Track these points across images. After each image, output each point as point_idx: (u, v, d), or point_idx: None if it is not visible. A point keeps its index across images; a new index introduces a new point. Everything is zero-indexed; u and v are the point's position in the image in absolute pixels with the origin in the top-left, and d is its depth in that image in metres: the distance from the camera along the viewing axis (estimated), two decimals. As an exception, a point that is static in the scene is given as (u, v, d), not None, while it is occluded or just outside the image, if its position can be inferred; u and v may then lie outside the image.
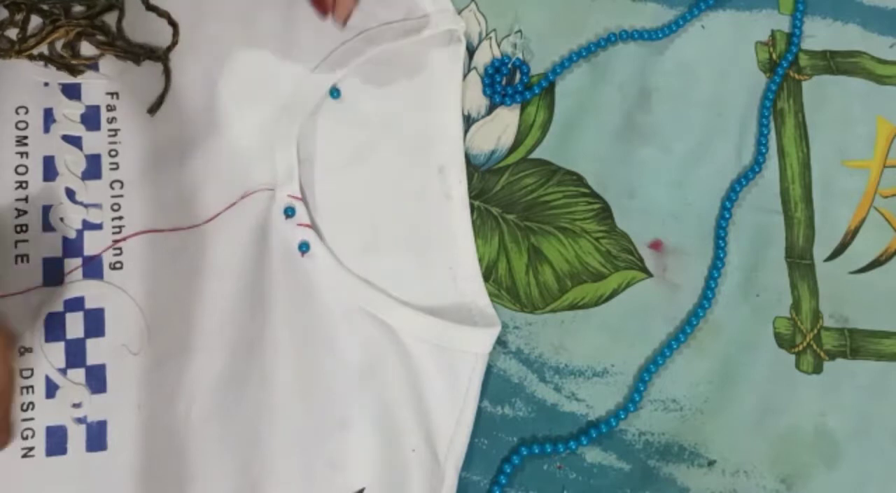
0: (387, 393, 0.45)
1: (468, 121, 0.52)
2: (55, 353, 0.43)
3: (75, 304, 0.44)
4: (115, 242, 0.45)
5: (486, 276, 0.50)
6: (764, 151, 0.54)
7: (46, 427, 0.42)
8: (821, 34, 0.57)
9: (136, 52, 0.48)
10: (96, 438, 0.43)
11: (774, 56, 0.57)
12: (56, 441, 0.42)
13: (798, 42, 0.57)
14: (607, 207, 0.52)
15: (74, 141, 0.46)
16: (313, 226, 0.47)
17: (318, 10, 0.45)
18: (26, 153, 0.45)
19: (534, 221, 0.51)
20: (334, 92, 0.48)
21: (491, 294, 0.49)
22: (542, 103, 0.53)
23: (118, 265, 0.45)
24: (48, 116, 0.46)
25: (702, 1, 0.56)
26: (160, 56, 0.48)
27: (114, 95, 0.47)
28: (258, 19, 0.49)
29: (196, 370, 0.44)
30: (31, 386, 0.42)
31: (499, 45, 0.54)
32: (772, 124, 0.55)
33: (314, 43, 0.49)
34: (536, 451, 0.47)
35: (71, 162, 0.46)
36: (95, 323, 0.44)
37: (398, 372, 0.46)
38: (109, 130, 0.47)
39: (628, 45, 0.55)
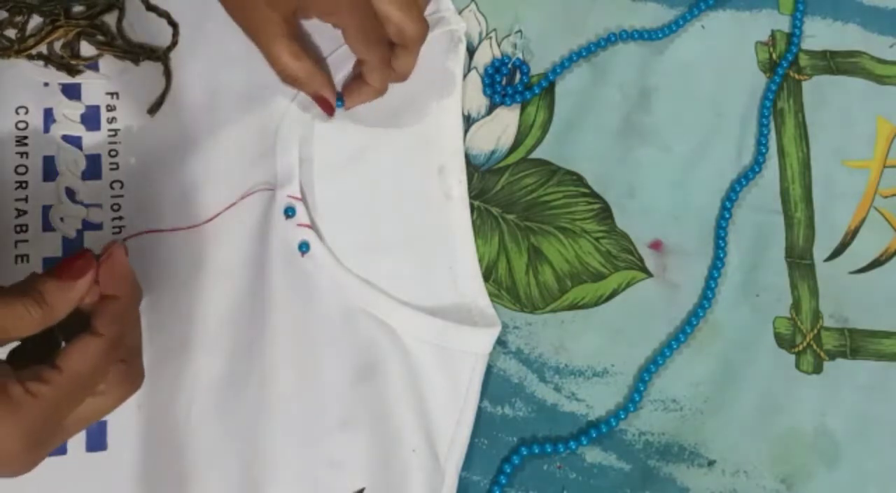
0: (387, 393, 0.45)
1: (468, 121, 0.52)
2: (55, 353, 0.43)
3: (75, 304, 0.44)
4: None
5: (486, 276, 0.50)
6: (764, 151, 0.54)
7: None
8: (821, 34, 0.57)
9: (136, 52, 0.48)
10: (96, 438, 0.43)
11: (774, 56, 0.57)
12: (56, 441, 0.42)
13: (798, 42, 0.57)
14: (607, 207, 0.52)
15: (74, 141, 0.46)
16: (313, 226, 0.47)
17: (323, 110, 0.47)
18: (26, 153, 0.45)
19: (534, 221, 0.51)
20: (338, 102, 0.48)
21: (491, 294, 0.49)
22: (542, 103, 0.53)
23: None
24: (48, 116, 0.46)
25: (702, 1, 0.56)
26: (160, 56, 0.48)
27: (114, 95, 0.47)
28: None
29: (196, 370, 0.44)
30: (31, 386, 0.42)
31: (499, 45, 0.54)
32: (772, 124, 0.55)
33: (315, 44, 0.49)
34: (536, 451, 0.47)
35: (71, 162, 0.46)
36: (95, 323, 0.44)
37: (398, 372, 0.46)
38: (109, 130, 0.47)
39: (628, 45, 0.55)
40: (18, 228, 0.44)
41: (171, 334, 0.44)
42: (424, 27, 0.45)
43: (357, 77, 0.48)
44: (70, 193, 0.45)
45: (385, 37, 0.45)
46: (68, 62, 0.47)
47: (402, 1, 0.43)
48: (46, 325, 0.35)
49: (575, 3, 0.56)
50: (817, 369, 0.51)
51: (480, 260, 0.50)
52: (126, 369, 0.37)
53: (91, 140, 0.46)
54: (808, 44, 0.57)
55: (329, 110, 0.47)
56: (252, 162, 0.47)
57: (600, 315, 0.50)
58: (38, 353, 0.36)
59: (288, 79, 0.45)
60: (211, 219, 0.46)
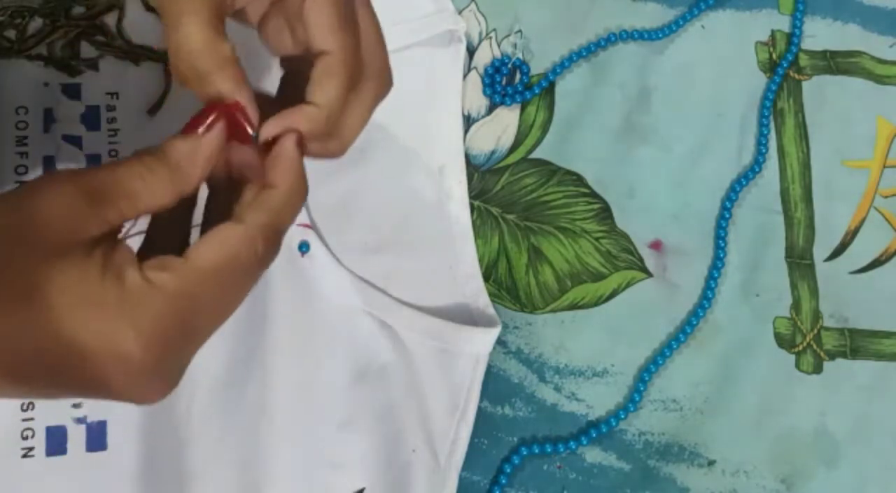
0: (387, 393, 0.45)
1: (468, 121, 0.52)
2: (55, 353, 0.43)
3: (75, 304, 0.44)
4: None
5: (486, 276, 0.50)
6: (764, 151, 0.54)
7: (46, 427, 0.42)
8: (821, 34, 0.57)
9: (136, 53, 0.48)
10: (96, 438, 0.43)
11: (774, 56, 0.57)
12: (56, 441, 0.42)
13: (798, 42, 0.57)
14: (607, 207, 0.52)
15: (74, 141, 0.46)
16: (313, 226, 0.47)
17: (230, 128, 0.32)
18: (26, 153, 0.45)
19: (534, 221, 0.51)
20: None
21: (491, 294, 0.49)
22: (542, 103, 0.53)
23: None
24: (48, 116, 0.46)
25: (702, 1, 0.56)
26: (160, 56, 0.48)
27: (114, 95, 0.47)
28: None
29: (196, 370, 0.44)
30: (31, 386, 0.42)
31: (499, 45, 0.54)
32: (772, 124, 0.55)
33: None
34: (536, 451, 0.47)
35: (71, 162, 0.46)
36: (95, 323, 0.44)
37: (398, 372, 0.46)
38: (109, 130, 0.47)
39: (628, 45, 0.55)
40: (18, 229, 0.44)
41: (171, 334, 0.44)
42: (390, 76, 0.36)
43: (289, 94, 0.35)
44: (70, 194, 0.45)
45: (357, 23, 0.34)
46: (68, 62, 0.47)
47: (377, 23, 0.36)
48: (178, 192, 0.30)
49: (575, 3, 0.55)
50: (817, 369, 0.51)
51: (480, 260, 0.50)
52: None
53: (91, 140, 0.46)
54: (808, 44, 0.57)
55: (244, 126, 0.31)
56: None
57: (600, 315, 0.50)
58: (170, 248, 0.30)
59: (189, 68, 0.31)
60: None
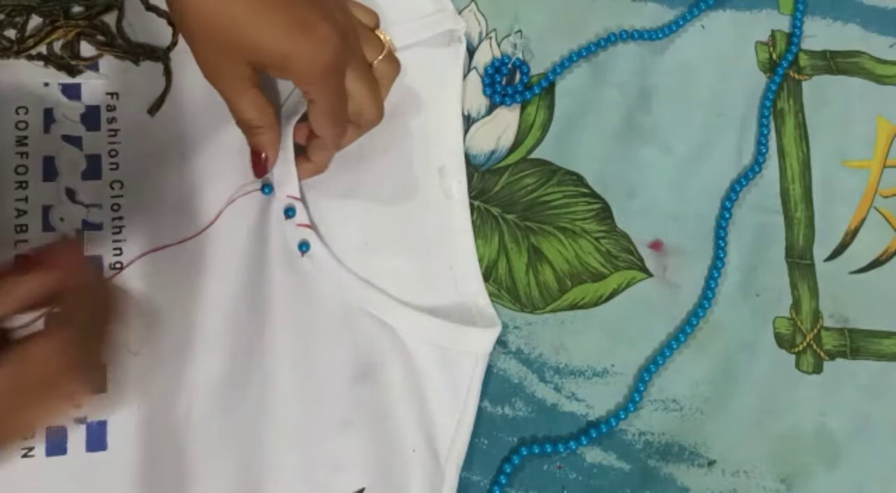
0: (387, 393, 0.45)
1: (468, 121, 0.52)
2: (55, 353, 0.43)
3: (75, 304, 0.44)
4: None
5: (486, 276, 0.50)
6: (764, 151, 0.54)
7: (46, 427, 0.42)
8: (821, 34, 0.57)
9: (136, 52, 0.48)
10: (96, 438, 0.43)
11: (774, 56, 0.57)
12: (56, 441, 0.42)
13: (798, 42, 0.57)
14: (607, 207, 0.52)
15: (74, 141, 0.46)
16: (313, 226, 0.47)
17: (253, 169, 0.45)
18: (26, 153, 0.45)
19: (534, 221, 0.51)
20: (267, 188, 0.48)
21: (491, 294, 0.49)
22: (542, 103, 0.53)
23: (118, 266, 0.45)
24: (48, 116, 0.46)
25: (702, 1, 0.56)
26: (160, 56, 0.48)
27: (114, 95, 0.47)
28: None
29: (196, 370, 0.44)
30: (31, 386, 0.42)
31: (499, 45, 0.54)
32: (772, 124, 0.55)
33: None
34: (536, 451, 0.47)
35: (71, 162, 0.46)
36: (95, 323, 0.44)
37: (398, 372, 0.46)
38: (109, 130, 0.47)
39: (628, 45, 0.55)
40: (18, 228, 0.44)
41: (171, 334, 0.44)
42: (381, 114, 0.45)
43: (298, 153, 0.46)
44: (70, 193, 0.45)
45: (347, 117, 0.44)
46: (68, 62, 0.47)
47: (370, 82, 0.43)
48: None
49: (575, 3, 0.55)
50: (817, 369, 0.51)
51: (480, 260, 0.50)
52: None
53: (91, 140, 0.46)
54: (808, 44, 0.57)
55: (261, 171, 0.45)
56: (252, 162, 0.47)
57: (600, 315, 0.50)
58: None
59: (244, 125, 0.43)
60: (213, 221, 0.46)
